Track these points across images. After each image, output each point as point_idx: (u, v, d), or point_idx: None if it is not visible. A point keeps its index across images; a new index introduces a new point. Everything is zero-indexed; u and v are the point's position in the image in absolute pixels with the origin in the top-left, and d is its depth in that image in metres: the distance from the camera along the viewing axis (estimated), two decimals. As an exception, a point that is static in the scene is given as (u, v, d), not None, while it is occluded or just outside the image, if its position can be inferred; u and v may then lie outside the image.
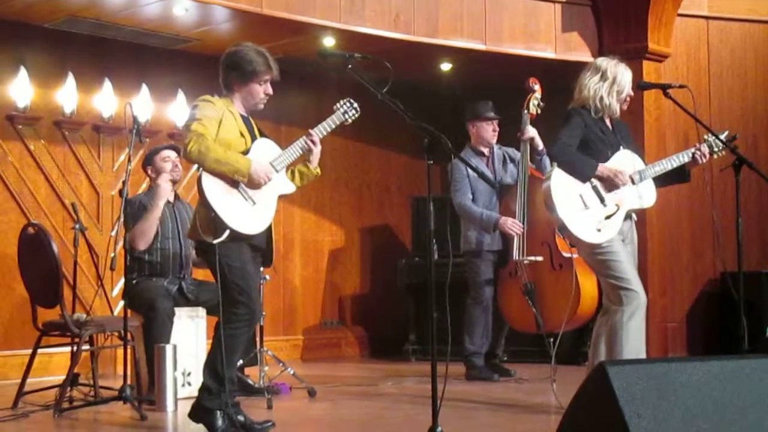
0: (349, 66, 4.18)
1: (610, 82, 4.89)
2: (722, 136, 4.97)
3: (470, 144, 6.87)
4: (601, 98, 4.88)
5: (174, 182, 6.01)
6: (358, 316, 9.08)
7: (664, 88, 4.95)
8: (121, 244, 5.41)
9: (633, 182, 4.86)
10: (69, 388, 5.36)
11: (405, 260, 8.37)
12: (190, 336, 5.80)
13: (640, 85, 5.21)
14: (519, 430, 4.75)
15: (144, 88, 7.60)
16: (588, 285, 5.97)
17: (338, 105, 4.64)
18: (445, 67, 8.28)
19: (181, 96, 7.81)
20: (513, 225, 6.41)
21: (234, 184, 4.34)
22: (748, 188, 7.05)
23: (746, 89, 8.18)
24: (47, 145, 7.23)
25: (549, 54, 7.82)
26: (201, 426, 4.45)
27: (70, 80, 7.27)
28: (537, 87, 6.41)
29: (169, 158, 5.93)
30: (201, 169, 4.31)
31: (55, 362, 6.70)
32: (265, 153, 4.47)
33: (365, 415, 5.31)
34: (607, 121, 4.97)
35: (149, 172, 6.00)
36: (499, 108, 6.88)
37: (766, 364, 2.98)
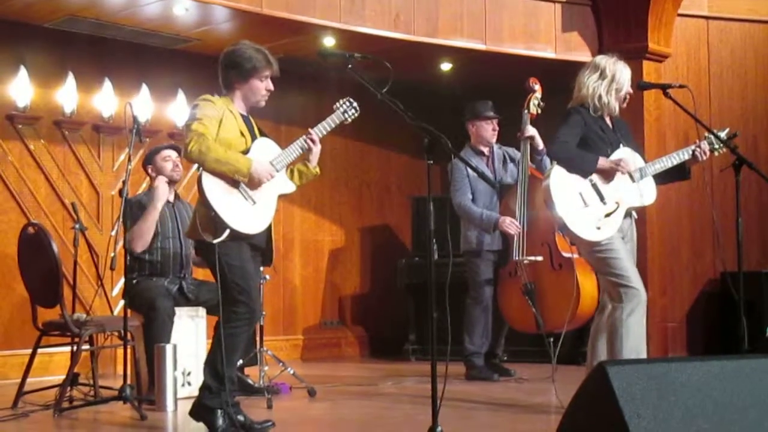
0: (349, 66, 4.18)
1: (608, 80, 4.88)
2: (723, 134, 4.97)
3: (470, 144, 6.87)
4: (600, 96, 4.88)
5: (174, 182, 6.01)
6: (358, 315, 9.09)
7: (664, 88, 4.95)
8: (121, 243, 5.41)
9: (633, 179, 4.86)
10: (69, 388, 5.36)
11: (405, 260, 8.37)
12: (190, 336, 5.80)
13: (640, 85, 5.21)
14: (519, 429, 4.75)
15: (144, 87, 7.61)
16: (588, 285, 5.97)
17: (338, 104, 4.64)
18: (445, 67, 8.28)
19: (181, 96, 7.81)
20: (510, 225, 6.41)
21: (234, 183, 4.34)
22: (748, 188, 7.06)
23: (746, 89, 8.18)
24: (47, 145, 7.23)
25: (549, 54, 7.82)
26: (201, 425, 4.45)
27: (70, 80, 7.27)
28: (537, 87, 6.42)
29: (169, 158, 5.93)
30: (201, 168, 4.31)
31: (55, 362, 6.71)
32: (265, 152, 4.47)
33: (365, 414, 5.31)
34: (607, 120, 4.97)
35: (150, 171, 6.00)
36: (499, 108, 6.88)
37: (765, 364, 2.98)
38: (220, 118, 4.36)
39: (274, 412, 5.08)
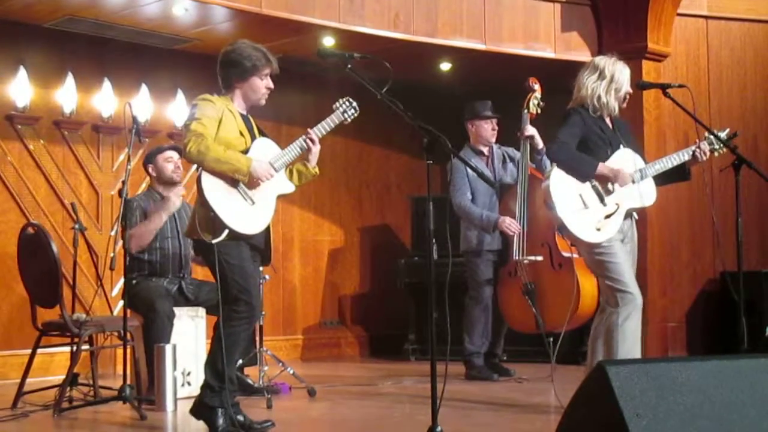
0: (349, 66, 4.18)
1: (608, 81, 4.88)
2: (723, 134, 4.96)
3: (469, 143, 6.88)
4: (599, 97, 4.87)
5: (174, 184, 6.02)
6: (357, 315, 9.08)
7: (663, 87, 4.94)
8: (120, 243, 5.41)
9: (633, 181, 4.85)
10: (69, 388, 5.36)
11: (404, 260, 8.37)
12: (189, 336, 5.80)
13: (639, 85, 5.21)
14: (519, 429, 4.75)
15: (143, 87, 7.61)
16: (588, 285, 5.97)
17: (337, 104, 4.64)
18: (445, 66, 8.28)
19: (180, 96, 7.81)
20: (510, 225, 6.42)
21: (233, 183, 4.34)
22: (747, 188, 7.03)
23: (746, 89, 8.17)
24: (47, 145, 7.23)
25: (548, 54, 7.82)
26: (201, 425, 4.45)
27: (70, 80, 7.27)
28: (537, 87, 6.42)
29: (171, 159, 5.94)
30: (200, 168, 4.32)
31: (54, 362, 6.71)
32: (264, 152, 4.47)
33: (365, 414, 5.31)
34: (607, 120, 4.97)
35: (150, 170, 6.00)
36: (499, 107, 6.88)
37: (765, 364, 2.98)
38: (220, 117, 4.36)
39: (273, 412, 5.08)
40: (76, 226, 5.62)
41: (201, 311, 5.92)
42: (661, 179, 5.00)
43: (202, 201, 4.30)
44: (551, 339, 5.86)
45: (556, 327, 5.98)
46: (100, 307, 6.91)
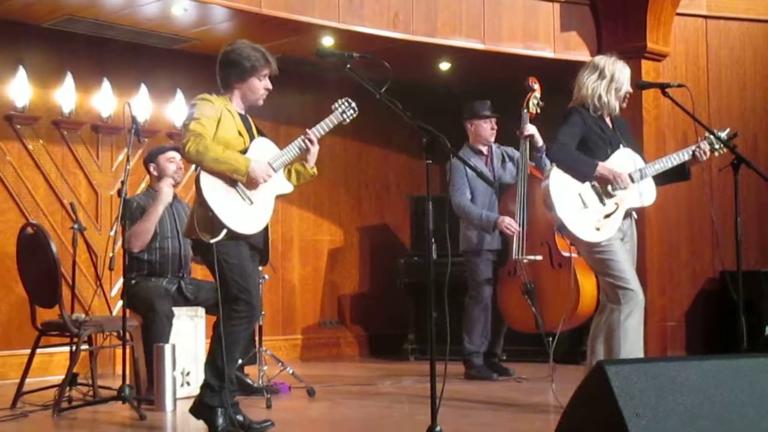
0: (348, 66, 4.18)
1: (608, 80, 4.88)
2: (724, 134, 4.96)
3: (468, 143, 6.88)
4: (600, 96, 4.87)
5: (176, 184, 6.03)
6: (357, 315, 9.08)
7: (662, 87, 4.94)
8: (119, 243, 5.41)
9: (633, 180, 4.85)
10: (68, 388, 5.35)
11: (404, 260, 8.36)
12: (189, 336, 5.80)
13: (638, 85, 5.21)
14: (518, 429, 4.75)
15: (143, 87, 7.60)
16: (587, 284, 5.98)
17: (336, 105, 4.64)
18: (444, 66, 8.28)
19: (179, 96, 7.81)
20: (509, 224, 6.42)
21: (232, 183, 4.34)
22: (747, 187, 7.04)
23: (745, 88, 8.18)
24: (46, 145, 7.23)
25: (548, 53, 7.82)
26: (200, 425, 4.46)
27: (69, 80, 7.27)
28: (537, 86, 6.41)
29: (173, 159, 5.94)
30: (199, 168, 4.32)
31: (54, 362, 6.71)
32: (263, 152, 4.47)
33: (364, 414, 5.31)
34: (607, 120, 4.97)
35: (151, 170, 6.00)
36: (498, 107, 6.88)
37: (764, 363, 2.98)
38: (218, 117, 4.36)
39: (273, 412, 5.08)
40: (76, 226, 5.61)
41: (200, 311, 5.92)
42: (661, 179, 5.00)
43: (200, 201, 4.30)
44: (551, 338, 5.86)
45: (556, 326, 5.97)
46: (100, 307, 6.91)
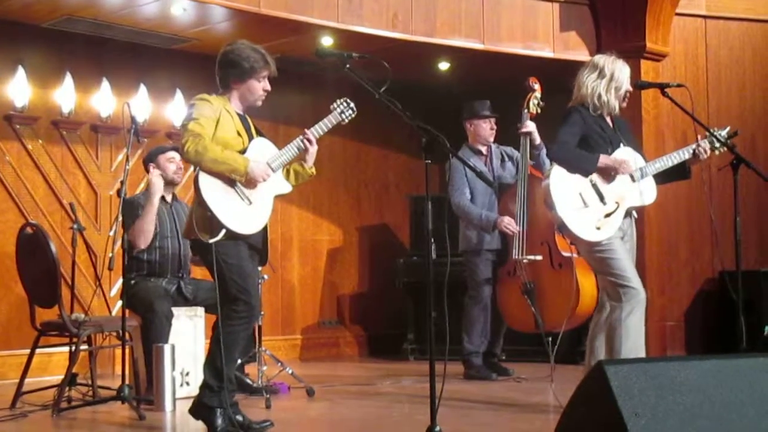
0: (347, 65, 4.17)
1: (607, 79, 4.88)
2: (724, 132, 4.96)
3: (468, 143, 6.88)
4: (600, 96, 4.87)
5: (175, 184, 6.03)
6: (356, 315, 9.08)
7: (662, 87, 4.95)
8: (119, 243, 5.41)
9: (633, 179, 4.85)
10: (67, 388, 5.35)
11: (403, 259, 8.36)
12: (188, 336, 5.80)
13: (638, 85, 5.20)
14: (517, 429, 4.75)
15: (142, 87, 7.60)
16: (587, 284, 5.97)
17: (335, 105, 4.64)
18: (443, 66, 8.28)
19: (179, 95, 7.81)
20: (508, 224, 6.43)
21: (231, 183, 4.34)
22: (746, 187, 7.04)
23: (744, 88, 8.18)
24: (45, 145, 7.23)
25: (547, 53, 7.82)
26: (199, 425, 4.45)
27: (68, 80, 7.27)
28: (537, 86, 6.42)
29: (173, 159, 5.94)
30: (198, 168, 4.31)
31: (53, 362, 6.71)
32: (262, 152, 4.47)
33: (364, 414, 5.31)
34: (607, 119, 4.96)
35: (151, 169, 5.99)
36: (497, 107, 6.88)
37: (763, 363, 2.98)
38: (217, 117, 4.36)
39: (272, 412, 5.08)
40: (75, 226, 5.61)
41: (200, 311, 5.92)
42: (661, 178, 4.99)
43: (199, 201, 4.30)
44: (550, 338, 5.86)
45: (556, 326, 5.98)
46: (99, 307, 6.90)
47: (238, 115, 4.48)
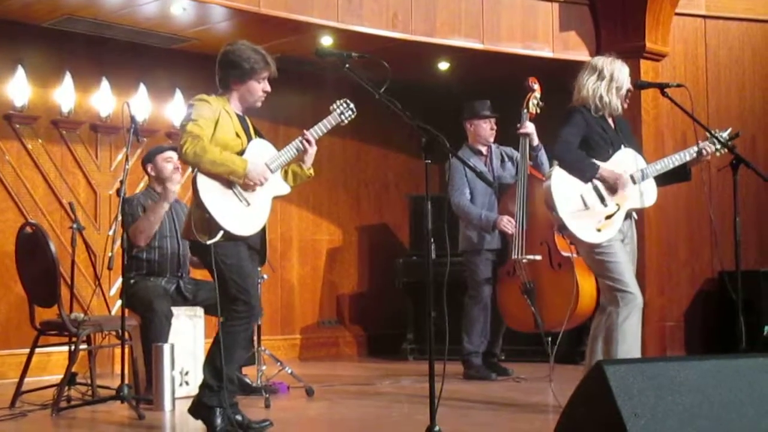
0: (347, 65, 4.17)
1: (607, 80, 4.88)
2: (725, 134, 4.96)
3: (468, 143, 6.88)
4: (601, 97, 4.86)
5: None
6: (355, 315, 9.08)
7: (661, 87, 4.94)
8: (118, 243, 5.41)
9: (635, 181, 4.85)
10: (67, 388, 5.35)
11: (403, 259, 8.36)
12: (188, 335, 5.80)
13: (637, 85, 5.20)
14: (517, 429, 4.75)
15: (142, 87, 7.60)
16: (587, 284, 5.97)
17: (334, 106, 4.63)
18: (443, 66, 8.28)
19: (178, 95, 7.81)
20: (507, 224, 6.43)
21: (229, 184, 4.33)
22: (746, 187, 7.04)
23: (744, 88, 8.18)
24: (45, 145, 7.23)
25: (547, 53, 7.82)
26: (199, 424, 4.45)
27: (68, 79, 7.27)
28: (536, 86, 6.42)
29: (171, 159, 5.94)
30: (196, 169, 4.31)
31: (52, 361, 6.71)
32: (260, 154, 4.46)
33: (363, 414, 5.31)
34: (609, 120, 4.96)
35: (149, 170, 6.00)
36: (497, 107, 6.88)
37: (763, 363, 2.98)
38: (216, 118, 4.35)
39: (272, 412, 5.08)
40: (74, 226, 5.61)
41: (199, 311, 5.92)
42: (662, 180, 4.99)
43: (197, 202, 4.30)
44: (550, 338, 5.86)
45: (555, 326, 5.98)
46: (98, 307, 6.90)
47: (237, 115, 4.48)
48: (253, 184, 4.35)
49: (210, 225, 4.26)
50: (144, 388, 5.52)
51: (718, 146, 4.94)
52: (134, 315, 5.66)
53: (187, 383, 5.69)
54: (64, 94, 7.26)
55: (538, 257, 6.28)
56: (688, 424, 2.74)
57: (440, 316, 3.92)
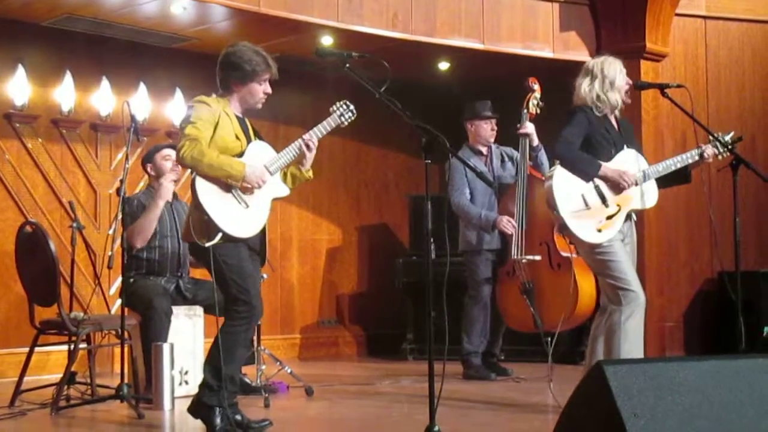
0: (347, 65, 4.17)
1: (600, 79, 4.88)
2: (728, 137, 4.96)
3: (468, 143, 6.88)
4: (598, 96, 4.87)
5: (174, 181, 6.03)
6: (355, 315, 9.08)
7: (661, 87, 4.95)
8: (118, 242, 5.41)
9: (636, 183, 4.85)
10: (66, 387, 5.35)
11: (402, 259, 8.36)
12: (187, 334, 5.80)
13: (637, 85, 5.20)
14: (516, 429, 4.75)
15: (142, 86, 7.60)
16: (586, 285, 5.98)
17: (334, 107, 4.63)
18: (443, 66, 8.28)
19: (178, 94, 7.81)
20: (507, 224, 6.43)
21: (228, 187, 4.32)
22: (745, 188, 7.04)
23: (744, 89, 8.18)
24: (45, 144, 7.23)
25: (547, 53, 7.82)
26: (198, 424, 4.45)
27: (68, 78, 7.26)
28: (536, 87, 6.42)
29: (169, 157, 5.94)
30: (195, 172, 4.31)
31: (52, 360, 6.71)
32: (259, 156, 4.45)
33: (363, 414, 5.31)
34: (612, 120, 4.95)
35: (149, 169, 6.00)
36: (497, 107, 6.88)
37: (762, 363, 2.98)
38: (216, 120, 4.34)
39: (271, 411, 5.08)
40: (74, 225, 5.61)
41: (198, 310, 5.92)
42: (662, 182, 4.99)
43: (196, 204, 4.29)
44: (549, 338, 5.86)
45: (555, 326, 5.97)
46: (98, 306, 6.90)
47: (237, 117, 4.47)
48: (251, 186, 4.35)
49: (209, 227, 4.25)
50: (143, 388, 5.52)
51: (721, 149, 4.94)
52: (134, 314, 5.65)
53: (186, 382, 5.69)
54: (64, 94, 7.26)
55: (538, 257, 6.29)
56: (688, 425, 2.74)
57: (440, 316, 3.92)
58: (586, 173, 4.79)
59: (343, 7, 6.99)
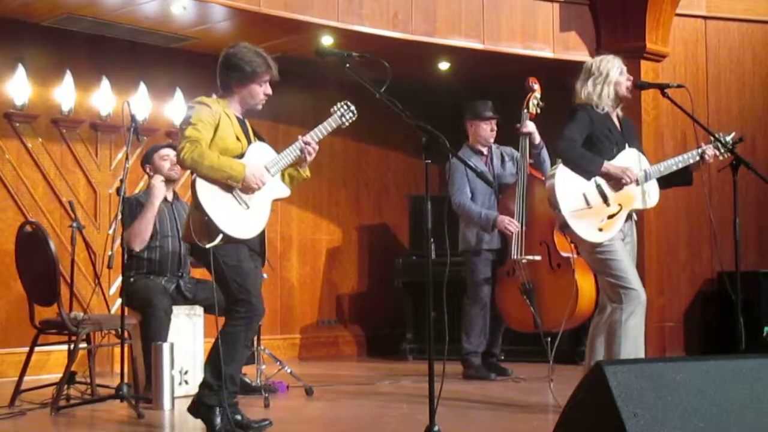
0: (347, 65, 4.17)
1: (596, 76, 4.88)
2: (729, 138, 4.96)
3: (468, 143, 6.88)
4: (598, 94, 4.87)
5: (172, 181, 6.03)
6: (355, 314, 9.09)
7: (661, 87, 4.94)
8: (118, 242, 5.41)
9: (638, 182, 4.84)
10: (66, 386, 5.35)
11: (402, 259, 8.36)
12: (187, 334, 5.80)
13: (637, 85, 5.20)
14: (516, 429, 4.75)
15: (142, 86, 7.60)
16: (586, 285, 5.98)
17: (335, 108, 4.62)
18: (443, 66, 8.28)
19: (179, 94, 7.81)
20: (509, 224, 6.43)
21: (228, 188, 4.31)
22: (745, 188, 7.05)
23: (744, 89, 8.18)
24: (45, 143, 7.23)
25: (547, 53, 7.83)
26: (198, 423, 4.45)
27: (68, 78, 7.26)
28: (537, 86, 6.42)
29: (167, 156, 5.93)
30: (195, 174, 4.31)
31: (52, 360, 6.71)
32: (260, 157, 4.44)
33: (362, 414, 5.31)
34: (615, 119, 4.95)
35: (148, 170, 6.00)
36: (497, 107, 6.88)
37: (763, 364, 2.98)
38: (216, 121, 4.33)
39: (271, 411, 5.08)
40: (74, 225, 5.61)
41: (198, 310, 5.91)
42: (663, 183, 4.99)
43: (196, 205, 4.29)
44: (549, 338, 5.86)
45: (555, 326, 5.97)
46: (98, 306, 6.90)
47: (237, 118, 4.47)
48: (251, 188, 4.34)
49: (209, 228, 4.25)
50: (143, 387, 5.52)
51: (723, 151, 4.94)
52: (134, 314, 5.65)
53: (186, 382, 5.69)
54: (64, 93, 7.26)
55: (538, 257, 6.29)
56: (688, 425, 2.73)
57: (440, 316, 3.92)
58: (589, 170, 4.79)
59: (343, 7, 7.00)
